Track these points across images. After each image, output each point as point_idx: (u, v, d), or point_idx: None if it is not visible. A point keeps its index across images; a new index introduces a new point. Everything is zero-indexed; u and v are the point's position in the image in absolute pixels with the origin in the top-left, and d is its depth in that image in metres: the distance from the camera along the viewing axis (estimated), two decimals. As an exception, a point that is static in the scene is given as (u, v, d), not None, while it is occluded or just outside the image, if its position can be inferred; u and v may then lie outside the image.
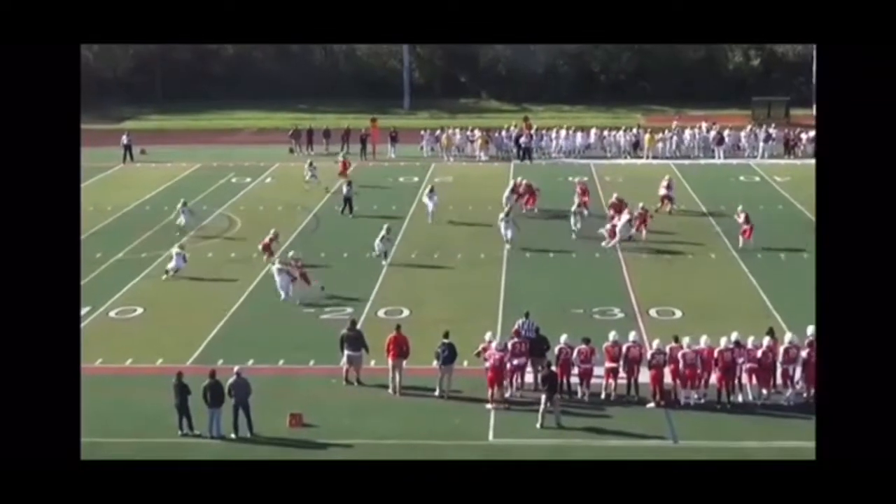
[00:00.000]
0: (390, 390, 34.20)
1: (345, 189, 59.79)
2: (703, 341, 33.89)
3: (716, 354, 33.51)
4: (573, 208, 54.18)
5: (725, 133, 78.48)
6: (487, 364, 33.68)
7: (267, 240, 49.55)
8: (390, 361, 34.39)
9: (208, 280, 47.03)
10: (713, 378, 33.74)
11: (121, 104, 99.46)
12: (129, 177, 71.92)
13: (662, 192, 58.45)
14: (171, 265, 47.12)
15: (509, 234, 51.13)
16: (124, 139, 77.57)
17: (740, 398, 33.61)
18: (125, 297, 44.43)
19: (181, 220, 55.45)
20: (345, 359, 35.36)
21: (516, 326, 35.21)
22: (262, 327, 40.64)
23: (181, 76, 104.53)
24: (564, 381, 33.95)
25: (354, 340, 35.33)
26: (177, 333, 39.87)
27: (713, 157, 76.13)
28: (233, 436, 31.46)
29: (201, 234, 55.04)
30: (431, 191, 58.15)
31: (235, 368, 32.45)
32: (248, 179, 69.95)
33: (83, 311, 41.79)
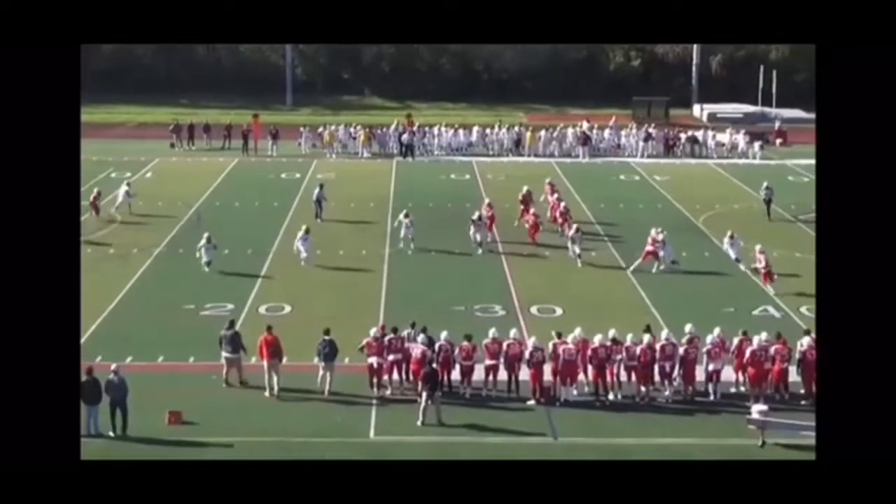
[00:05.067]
0: (266, 393, 33.90)
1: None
2: (578, 332, 34.21)
3: (589, 351, 33.81)
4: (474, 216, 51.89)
5: (597, 132, 79.58)
6: (373, 359, 33.89)
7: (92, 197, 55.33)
8: (265, 363, 34.10)
9: (86, 275, 46.35)
10: (590, 375, 34.09)
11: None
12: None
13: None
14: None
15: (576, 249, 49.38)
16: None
17: (619, 395, 33.95)
18: None
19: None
20: (223, 360, 34.97)
21: (403, 334, 35.00)
22: (140, 324, 40.21)
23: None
24: (445, 378, 34.03)
25: (231, 340, 34.85)
26: (54, 330, 39.29)
27: (579, 157, 76.80)
28: (111, 434, 31.09)
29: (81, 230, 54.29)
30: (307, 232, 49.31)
31: (113, 367, 32.01)
32: (128, 174, 69.08)
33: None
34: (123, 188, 58.33)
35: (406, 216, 51.17)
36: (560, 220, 52.59)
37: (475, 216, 51.28)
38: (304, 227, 49.28)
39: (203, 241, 46.97)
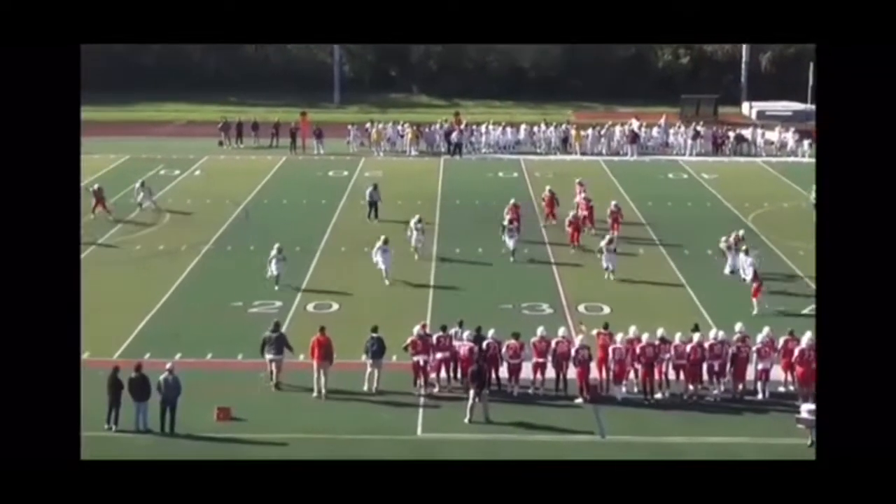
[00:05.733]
0: (315, 394, 33.81)
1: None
2: (632, 332, 34.16)
3: (637, 350, 33.72)
4: (504, 223, 50.87)
5: (645, 130, 79.38)
6: (432, 356, 34.24)
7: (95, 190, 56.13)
8: (315, 364, 34.00)
9: (136, 272, 46.72)
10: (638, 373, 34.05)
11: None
12: (55, 168, 71.04)
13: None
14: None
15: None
16: (51, 130, 76.72)
17: (667, 394, 33.86)
18: (51, 290, 43.90)
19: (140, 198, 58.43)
20: (268, 362, 34.79)
21: (450, 332, 34.99)
22: (190, 320, 40.42)
23: (110, 67, 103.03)
24: (493, 375, 34.03)
25: (276, 342, 34.76)
26: (104, 326, 39.44)
27: (628, 155, 76.54)
28: (161, 433, 31.15)
29: (130, 227, 54.61)
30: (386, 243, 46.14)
31: (168, 365, 32.07)
32: (177, 172, 69.50)
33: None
34: (137, 185, 59.36)
35: (419, 222, 50.09)
36: (609, 221, 52.18)
37: (506, 221, 50.57)
38: (382, 238, 46.01)
39: (274, 252, 44.74)
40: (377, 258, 45.21)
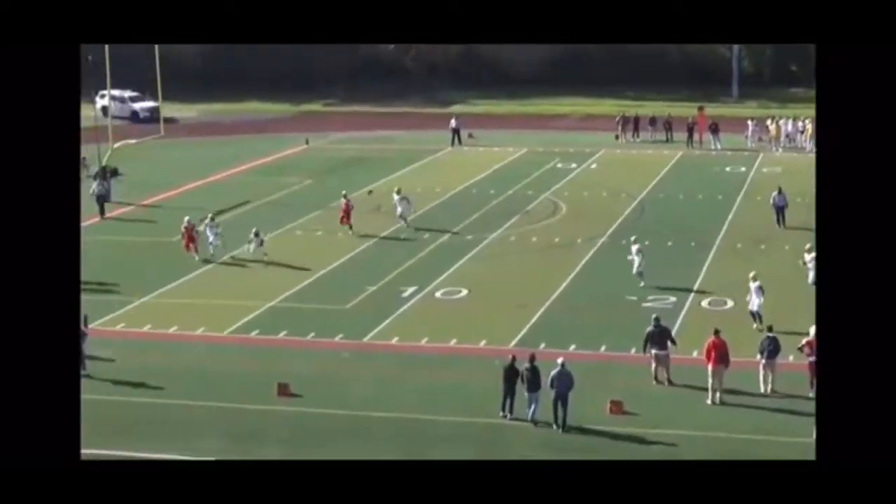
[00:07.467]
0: (709, 400, 33.13)
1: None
2: None
3: None
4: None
5: None
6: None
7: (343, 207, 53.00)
8: (710, 367, 33.33)
9: (532, 264, 47.52)
10: None
11: (449, 88, 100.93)
12: (456, 160, 73.22)
13: None
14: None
15: None
16: (453, 123, 78.91)
17: None
18: (451, 278, 45.27)
19: (399, 209, 54.24)
20: (652, 357, 34.71)
21: None
22: (584, 312, 40.83)
23: (504, 62, 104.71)
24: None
25: (659, 337, 34.60)
26: (500, 316, 40.36)
27: None
28: (554, 426, 31.55)
29: (526, 219, 55.55)
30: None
31: (559, 360, 32.19)
32: (574, 165, 70.23)
33: (409, 290, 43.01)
34: (395, 196, 54.95)
35: (634, 242, 45.44)
36: None
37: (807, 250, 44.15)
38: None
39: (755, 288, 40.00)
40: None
